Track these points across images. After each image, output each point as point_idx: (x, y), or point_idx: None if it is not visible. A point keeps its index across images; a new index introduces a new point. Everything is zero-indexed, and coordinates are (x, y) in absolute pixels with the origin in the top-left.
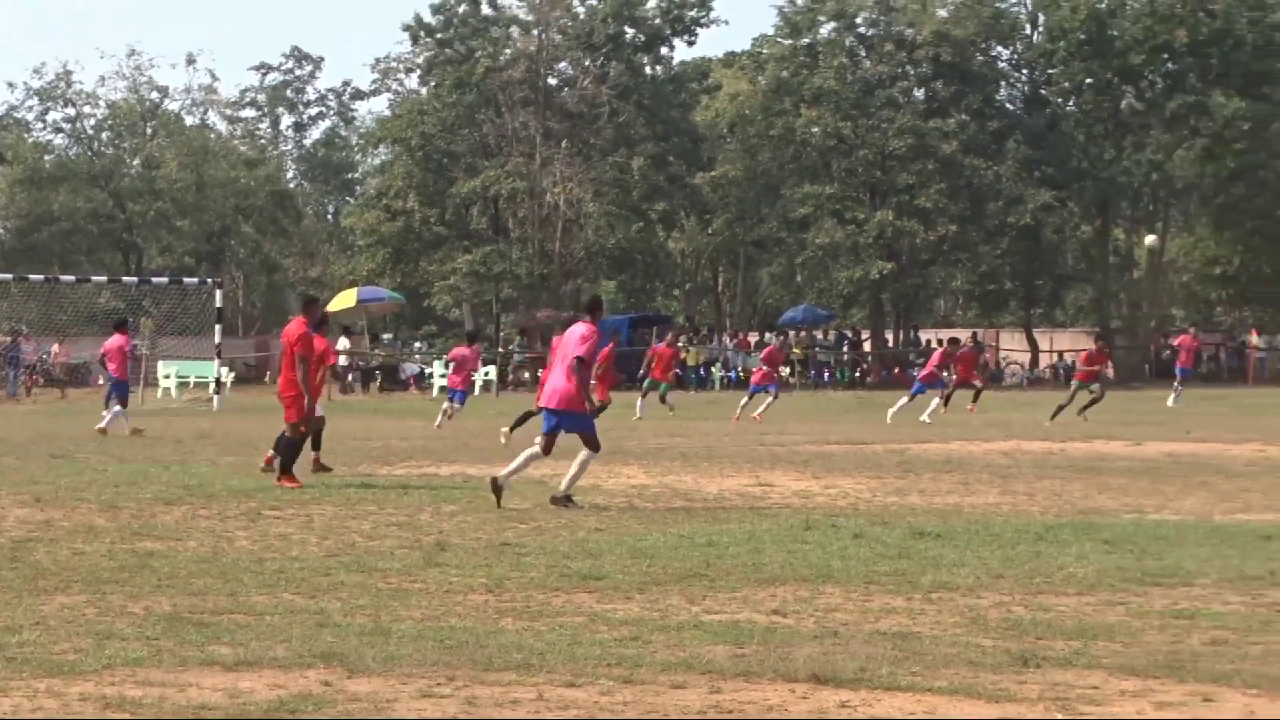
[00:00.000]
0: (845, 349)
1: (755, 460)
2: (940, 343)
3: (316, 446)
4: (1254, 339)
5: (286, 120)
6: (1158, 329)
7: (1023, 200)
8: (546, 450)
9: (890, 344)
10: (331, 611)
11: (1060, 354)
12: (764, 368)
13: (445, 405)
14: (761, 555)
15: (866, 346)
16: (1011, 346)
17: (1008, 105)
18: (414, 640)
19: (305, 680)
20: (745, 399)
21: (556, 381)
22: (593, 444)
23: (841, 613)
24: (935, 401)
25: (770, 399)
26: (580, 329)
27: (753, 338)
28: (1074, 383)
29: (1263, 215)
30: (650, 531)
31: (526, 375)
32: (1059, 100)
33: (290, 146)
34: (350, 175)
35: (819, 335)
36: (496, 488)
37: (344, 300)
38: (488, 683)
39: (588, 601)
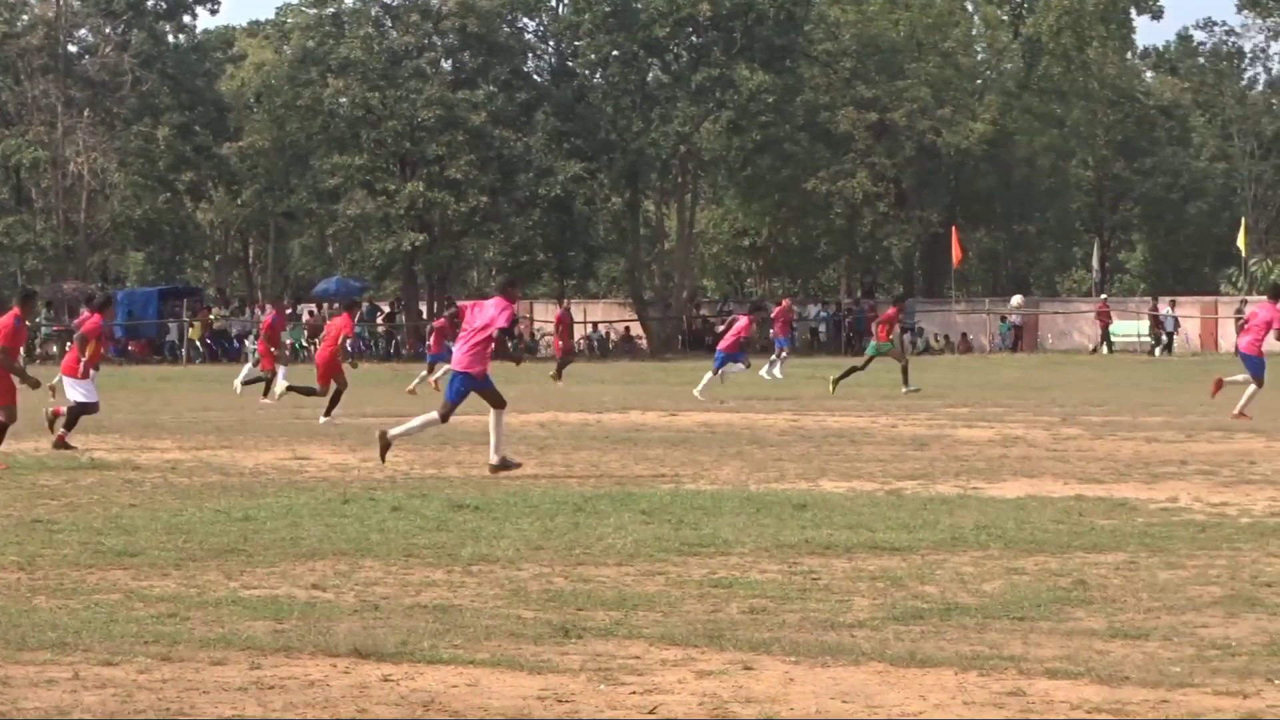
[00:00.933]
0: (379, 321)
1: (291, 434)
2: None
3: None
4: None
5: None
6: (690, 300)
7: (553, 172)
8: (445, 418)
9: (424, 316)
10: None
11: (594, 325)
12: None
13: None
14: (299, 529)
15: (401, 319)
16: (545, 318)
17: (536, 77)
18: None
19: None
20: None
21: (459, 349)
22: (498, 402)
23: (381, 586)
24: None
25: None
26: (496, 302)
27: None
28: (871, 345)
29: (788, 187)
30: (186, 507)
31: (55, 349)
32: (586, 72)
33: None
34: None
35: None
36: (385, 443)
37: None
38: (22, 662)
39: (123, 578)
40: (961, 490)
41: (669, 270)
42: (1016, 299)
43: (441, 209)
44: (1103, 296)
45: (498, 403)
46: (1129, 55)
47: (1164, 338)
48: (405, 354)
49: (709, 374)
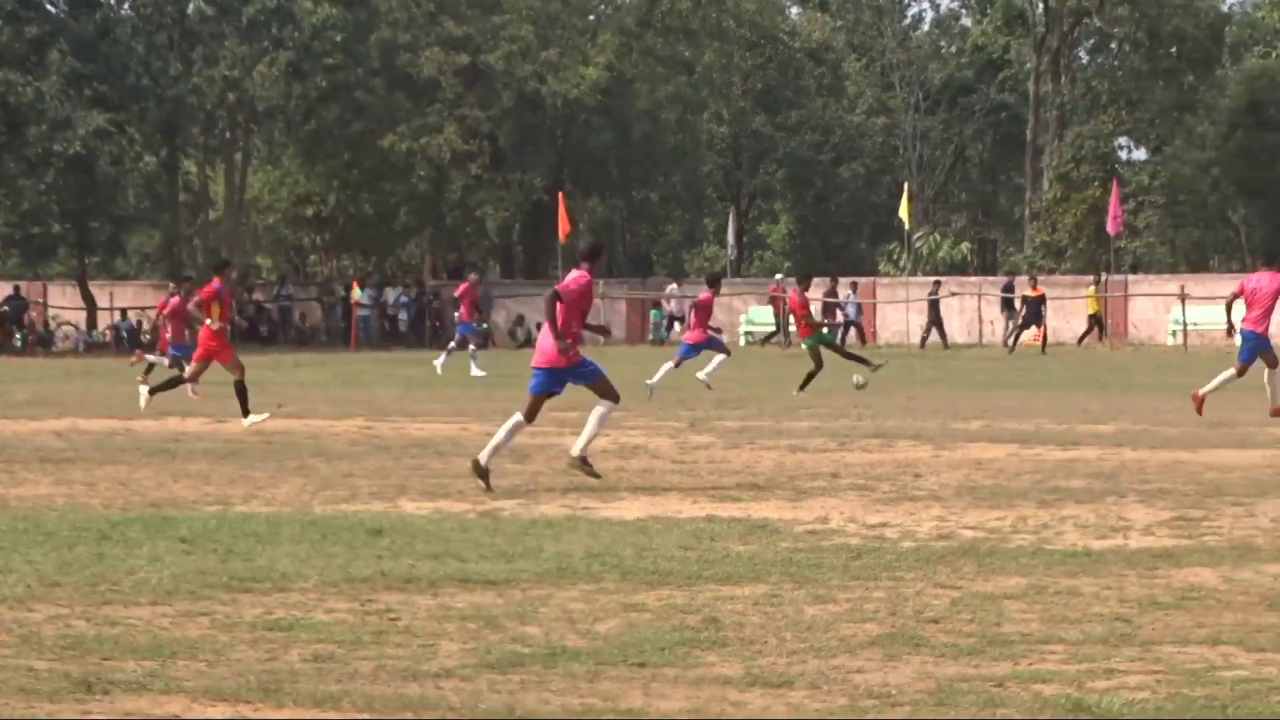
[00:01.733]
0: None
1: None
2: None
3: None
4: (356, 293)
5: None
6: (241, 282)
7: (71, 124)
8: (531, 416)
9: None
10: None
11: (123, 312)
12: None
13: None
14: None
15: None
16: (64, 304)
17: (49, 7)
18: None
19: None
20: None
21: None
22: (610, 394)
23: None
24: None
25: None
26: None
27: None
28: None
29: (360, 144)
30: None
31: None
32: (113, 2)
33: None
34: None
35: None
36: (481, 471)
37: None
38: None
39: None
40: (570, 511)
41: (215, 245)
42: (672, 287)
43: None
44: (777, 277)
45: (607, 393)
46: None
47: (845, 327)
48: None
49: (668, 364)
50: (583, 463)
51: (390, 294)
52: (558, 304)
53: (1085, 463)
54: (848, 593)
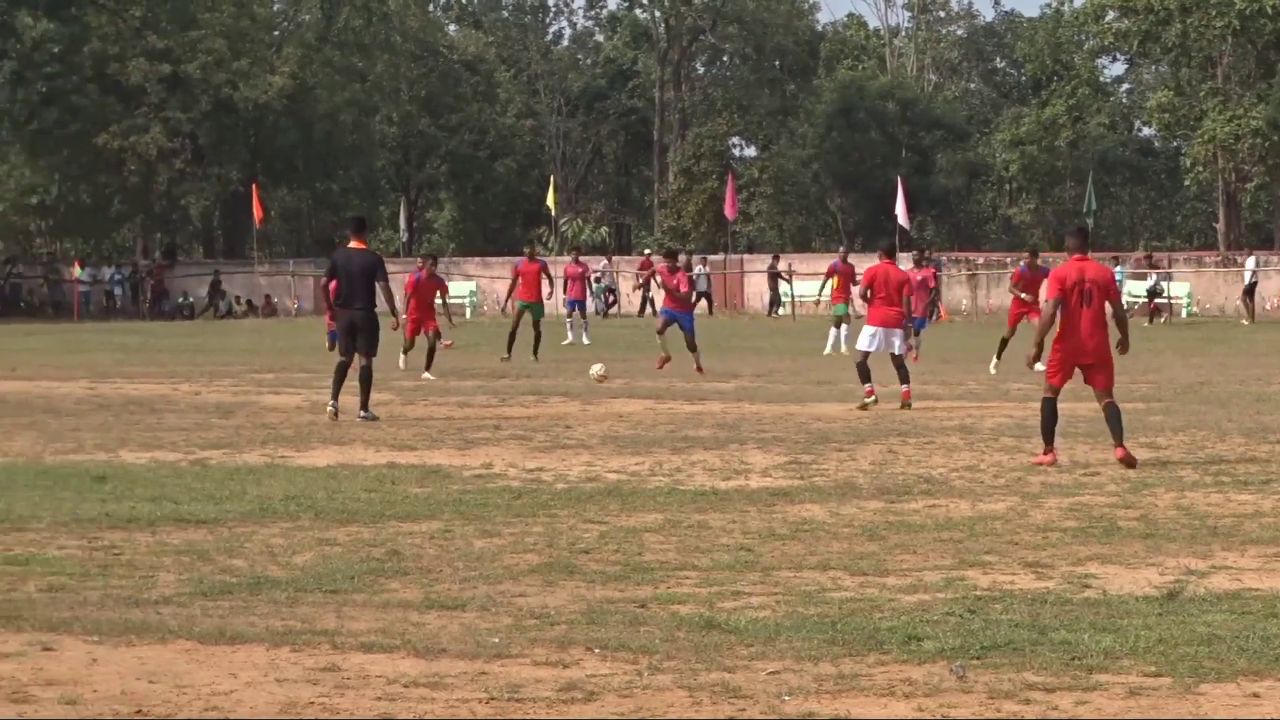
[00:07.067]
0: None
1: None
2: None
3: None
4: (77, 272)
5: None
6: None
7: None
8: None
9: None
10: None
11: None
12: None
13: None
14: None
15: None
16: None
17: None
18: None
19: None
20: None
21: None
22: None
23: None
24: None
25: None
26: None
27: None
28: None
29: (77, 142)
30: None
31: None
32: None
33: None
34: None
35: None
36: None
37: None
38: None
39: None
40: (269, 459)
41: None
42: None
43: None
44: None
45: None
46: (431, 8)
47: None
48: None
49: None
50: None
51: (107, 272)
52: None
53: (711, 415)
54: (511, 528)
